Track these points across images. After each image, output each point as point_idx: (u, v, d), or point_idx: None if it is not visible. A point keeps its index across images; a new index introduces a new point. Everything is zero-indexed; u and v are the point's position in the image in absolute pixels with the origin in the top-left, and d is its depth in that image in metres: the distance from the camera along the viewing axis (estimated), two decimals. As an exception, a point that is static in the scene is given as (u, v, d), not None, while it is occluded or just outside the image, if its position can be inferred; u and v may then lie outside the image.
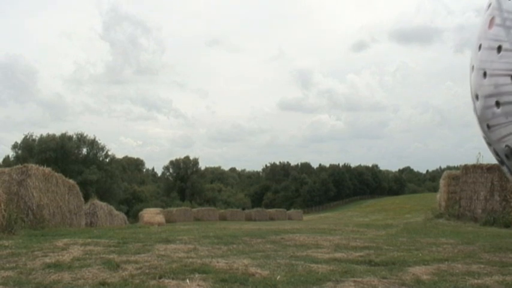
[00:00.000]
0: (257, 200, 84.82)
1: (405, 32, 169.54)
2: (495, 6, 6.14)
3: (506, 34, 5.80)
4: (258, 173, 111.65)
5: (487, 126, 6.27)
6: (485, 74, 6.09)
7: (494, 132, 6.17)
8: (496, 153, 6.40)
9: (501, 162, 6.44)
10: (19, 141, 59.00)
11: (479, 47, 6.32)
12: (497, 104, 5.81)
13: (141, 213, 28.71)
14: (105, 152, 63.68)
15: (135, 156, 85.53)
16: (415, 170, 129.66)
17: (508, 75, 5.63)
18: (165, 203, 60.72)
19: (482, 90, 6.23)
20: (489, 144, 6.58)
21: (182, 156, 78.91)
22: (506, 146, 5.99)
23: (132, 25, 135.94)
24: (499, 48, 5.80)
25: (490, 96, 5.99)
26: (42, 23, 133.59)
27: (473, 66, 6.57)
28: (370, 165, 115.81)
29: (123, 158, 76.37)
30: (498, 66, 5.84)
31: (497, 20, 6.00)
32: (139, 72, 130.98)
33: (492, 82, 5.94)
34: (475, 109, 6.56)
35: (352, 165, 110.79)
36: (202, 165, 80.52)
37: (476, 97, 6.37)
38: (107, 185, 57.76)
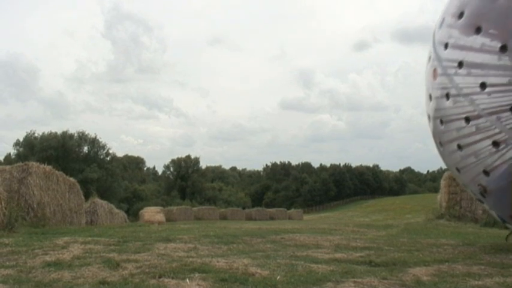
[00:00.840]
0: (257, 200, 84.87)
1: (407, 32, 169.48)
2: (434, 57, 6.58)
3: (449, 81, 6.13)
4: (258, 172, 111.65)
5: (457, 170, 6.57)
6: (442, 122, 6.42)
7: (465, 175, 6.45)
8: (474, 194, 6.70)
9: (480, 201, 6.73)
10: (21, 139, 59.12)
11: (430, 97, 6.77)
12: (459, 147, 6.10)
13: (141, 211, 28.72)
14: (106, 150, 63.77)
15: (136, 154, 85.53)
16: (416, 170, 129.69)
17: (462, 118, 5.94)
18: (165, 201, 60.73)
19: (443, 137, 6.54)
20: (465, 186, 6.70)
21: (183, 155, 79.04)
22: (479, 185, 6.20)
23: (133, 24, 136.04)
24: (447, 95, 6.17)
25: (452, 141, 6.30)
26: (44, 21, 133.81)
27: (429, 116, 6.98)
28: (371, 165, 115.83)
29: (124, 156, 76.49)
30: (451, 112, 6.15)
31: (439, 70, 6.38)
32: (140, 70, 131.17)
33: (450, 127, 6.24)
34: (442, 156, 6.90)
35: (353, 165, 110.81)
36: (203, 164, 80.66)
37: (440, 144, 6.69)
38: (107, 184, 57.79)
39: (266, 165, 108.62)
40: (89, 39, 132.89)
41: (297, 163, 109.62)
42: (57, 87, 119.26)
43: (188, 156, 78.64)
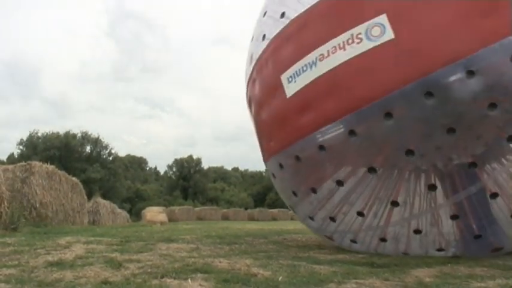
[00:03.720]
0: (260, 200, 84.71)
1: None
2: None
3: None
4: (261, 173, 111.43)
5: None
6: None
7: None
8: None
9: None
10: (24, 139, 59.25)
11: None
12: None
13: (143, 211, 28.72)
14: (108, 150, 63.83)
15: (138, 154, 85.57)
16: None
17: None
18: (167, 201, 60.71)
19: None
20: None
21: (185, 155, 79.05)
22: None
23: (137, 23, 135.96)
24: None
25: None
26: (47, 20, 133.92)
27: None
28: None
29: (126, 156, 76.53)
30: None
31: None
32: (144, 70, 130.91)
33: None
34: None
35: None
36: (205, 165, 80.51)
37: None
38: (110, 183, 57.81)
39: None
40: (92, 38, 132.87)
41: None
42: (61, 87, 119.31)
43: (190, 157, 78.63)
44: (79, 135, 61.13)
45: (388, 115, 5.07)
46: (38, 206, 12.33)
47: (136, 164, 79.77)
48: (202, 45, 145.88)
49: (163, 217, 23.75)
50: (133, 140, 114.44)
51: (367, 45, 5.16)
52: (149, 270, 4.27)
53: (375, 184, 5.55)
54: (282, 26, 6.25)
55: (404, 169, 5.43)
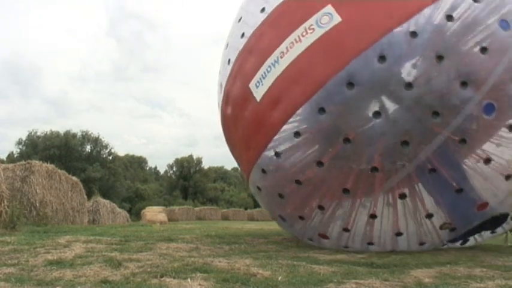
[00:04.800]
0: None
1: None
2: None
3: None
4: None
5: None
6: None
7: None
8: None
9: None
10: (23, 138, 59.25)
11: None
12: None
13: (143, 211, 28.71)
14: (108, 149, 63.83)
15: (138, 154, 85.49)
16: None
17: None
18: (167, 201, 60.71)
19: None
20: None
21: (186, 155, 79.04)
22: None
23: (138, 22, 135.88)
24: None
25: None
26: (47, 19, 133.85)
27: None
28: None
29: (126, 155, 76.50)
30: None
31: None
32: (144, 70, 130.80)
33: None
34: None
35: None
36: (205, 165, 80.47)
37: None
38: (109, 183, 57.79)
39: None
40: (92, 37, 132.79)
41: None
42: (61, 86, 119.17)
43: (191, 156, 78.65)
44: (79, 134, 61.12)
45: (350, 84, 5.55)
46: (37, 205, 12.32)
47: (136, 163, 79.68)
48: (203, 44, 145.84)
49: (163, 217, 23.74)
50: (134, 139, 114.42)
51: (319, 32, 5.79)
52: (149, 269, 4.27)
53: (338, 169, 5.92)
54: (243, 43, 6.86)
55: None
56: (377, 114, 5.50)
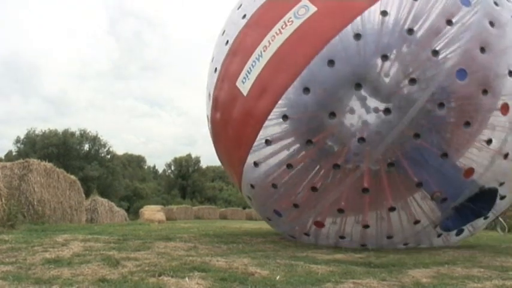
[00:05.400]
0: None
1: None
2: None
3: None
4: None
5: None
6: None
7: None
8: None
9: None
10: (22, 136, 59.15)
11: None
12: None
13: (141, 210, 28.71)
14: (107, 148, 63.80)
15: (137, 153, 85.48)
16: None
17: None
18: (165, 200, 60.70)
19: None
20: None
21: (184, 154, 79.00)
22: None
23: (137, 21, 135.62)
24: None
25: None
26: (47, 18, 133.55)
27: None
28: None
29: (124, 154, 76.47)
30: None
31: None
32: (143, 68, 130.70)
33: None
34: None
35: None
36: (203, 164, 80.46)
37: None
38: (108, 182, 57.78)
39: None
40: (92, 36, 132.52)
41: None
42: (60, 84, 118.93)
43: (189, 155, 78.63)
44: (77, 133, 61.05)
45: (331, 62, 5.94)
46: (35, 203, 12.31)
47: (134, 162, 79.60)
48: (202, 43, 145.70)
49: (161, 216, 23.73)
50: (132, 138, 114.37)
51: (297, 23, 6.24)
52: (146, 268, 4.27)
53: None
54: (227, 49, 7.27)
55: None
56: (358, 86, 5.83)
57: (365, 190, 6.05)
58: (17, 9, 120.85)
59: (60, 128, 59.70)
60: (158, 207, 30.78)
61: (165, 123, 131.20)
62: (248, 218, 42.55)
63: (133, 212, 39.17)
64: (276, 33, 6.35)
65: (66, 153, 56.55)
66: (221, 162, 8.62)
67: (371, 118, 5.82)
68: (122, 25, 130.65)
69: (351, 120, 5.88)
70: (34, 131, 59.42)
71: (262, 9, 6.93)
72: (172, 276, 3.89)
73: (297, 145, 6.23)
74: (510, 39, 6.26)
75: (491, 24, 6.10)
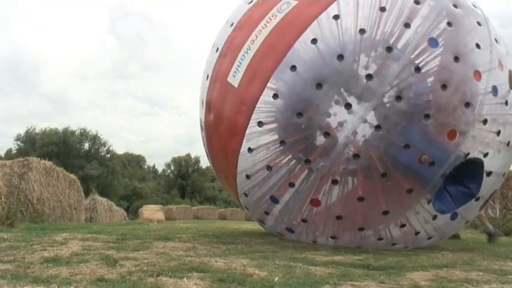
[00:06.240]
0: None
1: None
2: None
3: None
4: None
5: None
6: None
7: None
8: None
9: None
10: (21, 134, 59.13)
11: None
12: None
13: (140, 209, 28.70)
14: (107, 147, 63.86)
15: (137, 152, 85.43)
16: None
17: None
18: (165, 200, 60.73)
19: None
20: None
21: (184, 154, 78.99)
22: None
23: (138, 20, 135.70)
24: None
25: None
26: (47, 16, 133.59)
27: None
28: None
29: (124, 154, 76.48)
30: None
31: None
32: (143, 68, 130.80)
33: None
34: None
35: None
36: (203, 164, 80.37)
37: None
38: (107, 181, 57.82)
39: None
40: (93, 35, 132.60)
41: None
42: (60, 83, 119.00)
43: (188, 155, 78.62)
44: (77, 132, 61.10)
45: (314, 40, 6.43)
46: (35, 202, 12.31)
47: (134, 161, 79.67)
48: (203, 43, 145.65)
49: (160, 215, 23.72)
50: (132, 137, 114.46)
51: (280, 16, 6.78)
52: (145, 268, 4.27)
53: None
54: (218, 54, 7.65)
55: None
56: (340, 57, 6.22)
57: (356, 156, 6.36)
58: (18, 8, 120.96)
59: (60, 127, 59.76)
60: (157, 207, 30.78)
61: (165, 123, 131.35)
62: (247, 218, 42.44)
63: (133, 212, 39.21)
64: (262, 27, 6.85)
65: (66, 152, 56.61)
66: (216, 171, 8.79)
67: (352, 81, 6.31)
68: (123, 24, 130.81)
69: (336, 88, 6.34)
70: (34, 129, 59.47)
71: (248, 13, 7.46)
72: (170, 277, 3.89)
73: (289, 121, 6.56)
74: (475, 16, 6.85)
75: (455, 6, 6.65)
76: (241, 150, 6.97)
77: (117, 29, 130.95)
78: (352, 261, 5.48)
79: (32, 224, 10.09)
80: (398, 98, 6.13)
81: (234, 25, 7.63)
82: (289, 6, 6.78)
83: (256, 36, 6.85)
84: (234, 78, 6.98)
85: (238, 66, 6.96)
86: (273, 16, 6.83)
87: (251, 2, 7.63)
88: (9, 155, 51.80)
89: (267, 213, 7.43)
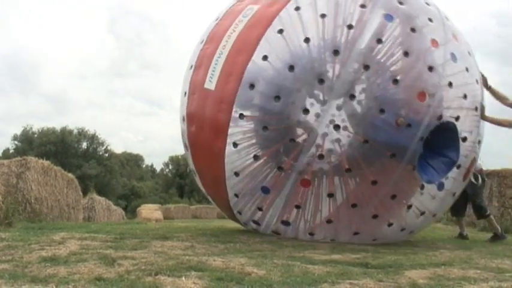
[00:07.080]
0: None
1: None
2: None
3: None
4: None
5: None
6: None
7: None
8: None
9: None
10: (18, 134, 58.98)
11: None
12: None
13: (139, 209, 28.72)
14: (105, 147, 63.81)
15: (136, 151, 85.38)
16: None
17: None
18: (163, 199, 60.73)
19: None
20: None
21: (182, 153, 78.90)
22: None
23: (137, 20, 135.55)
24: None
25: None
26: (46, 16, 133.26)
27: None
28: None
29: (122, 153, 76.36)
30: None
31: None
32: (142, 67, 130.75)
33: None
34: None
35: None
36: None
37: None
38: (105, 180, 57.77)
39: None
40: (92, 34, 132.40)
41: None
42: (59, 83, 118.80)
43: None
44: (75, 131, 61.00)
45: (280, 30, 6.82)
46: (33, 201, 12.29)
47: (132, 161, 79.59)
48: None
49: (158, 215, 23.79)
50: (130, 137, 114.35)
51: (245, 20, 7.17)
52: (143, 267, 4.26)
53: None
54: (192, 71, 7.92)
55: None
56: (307, 40, 6.63)
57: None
58: (18, 8, 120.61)
59: (58, 126, 59.66)
60: (156, 206, 30.83)
61: (164, 122, 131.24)
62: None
63: (131, 211, 39.18)
64: (231, 32, 7.20)
65: (64, 151, 56.54)
66: (203, 185, 8.69)
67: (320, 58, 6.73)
68: (123, 24, 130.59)
69: (309, 71, 6.73)
70: (31, 128, 59.34)
71: (216, 27, 7.84)
72: (168, 276, 3.89)
73: (270, 105, 6.82)
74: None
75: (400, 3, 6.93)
76: (227, 147, 7.05)
77: (117, 29, 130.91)
78: (351, 259, 5.48)
79: (29, 224, 10.06)
80: (367, 66, 6.56)
81: (204, 40, 7.97)
82: (252, 11, 7.22)
83: (227, 41, 7.17)
84: (211, 83, 7.23)
85: (213, 71, 7.23)
86: (239, 22, 7.22)
87: (217, 18, 8.02)
88: (6, 155, 51.69)
89: (260, 208, 7.40)
